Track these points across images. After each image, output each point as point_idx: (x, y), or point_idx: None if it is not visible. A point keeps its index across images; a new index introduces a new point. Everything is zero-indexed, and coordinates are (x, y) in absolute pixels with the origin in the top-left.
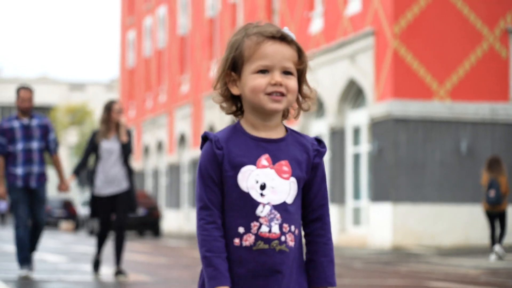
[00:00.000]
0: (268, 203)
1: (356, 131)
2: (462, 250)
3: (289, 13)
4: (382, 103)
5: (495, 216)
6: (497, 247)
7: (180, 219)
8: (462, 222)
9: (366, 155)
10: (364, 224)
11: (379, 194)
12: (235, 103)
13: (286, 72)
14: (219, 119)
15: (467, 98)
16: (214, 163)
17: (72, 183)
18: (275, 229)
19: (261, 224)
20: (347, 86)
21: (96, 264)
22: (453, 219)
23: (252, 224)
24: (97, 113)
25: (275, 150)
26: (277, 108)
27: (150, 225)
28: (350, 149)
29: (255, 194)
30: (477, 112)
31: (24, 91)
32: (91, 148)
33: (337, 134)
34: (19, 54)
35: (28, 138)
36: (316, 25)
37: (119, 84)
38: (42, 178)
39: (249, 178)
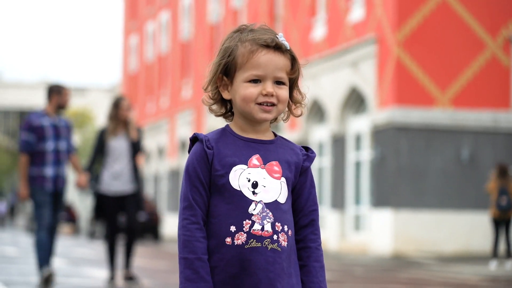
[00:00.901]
0: (260, 201)
1: (358, 138)
2: (463, 258)
3: (292, 19)
4: (384, 110)
5: (502, 223)
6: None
7: (176, 222)
8: (463, 230)
9: (367, 161)
10: (365, 231)
11: (380, 200)
12: (224, 105)
13: (278, 82)
14: (221, 125)
15: (469, 106)
16: (203, 163)
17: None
18: (268, 227)
19: (253, 222)
20: (349, 93)
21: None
22: (454, 227)
23: (244, 223)
24: (99, 117)
25: (265, 151)
26: (266, 118)
27: (150, 229)
28: (351, 156)
29: (247, 192)
30: (479, 120)
31: (65, 88)
32: (99, 146)
33: (339, 140)
34: (20, 58)
35: (57, 138)
36: (319, 31)
37: (121, 88)
38: (65, 181)
39: (240, 176)
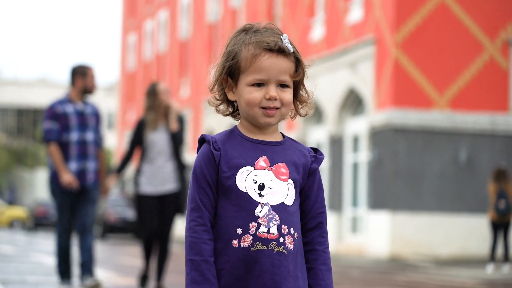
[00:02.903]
0: (266, 203)
1: (356, 139)
2: (460, 261)
3: (291, 19)
4: (382, 111)
5: (501, 227)
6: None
7: (183, 224)
8: (460, 233)
9: (365, 163)
10: (362, 233)
11: (377, 202)
12: (231, 104)
13: (282, 85)
14: (218, 124)
15: (467, 108)
16: (210, 164)
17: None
18: (274, 229)
19: (259, 225)
20: (347, 94)
21: (144, 279)
22: (451, 229)
23: (250, 225)
24: None
25: (272, 152)
26: (270, 123)
27: None
28: (349, 157)
29: (253, 194)
30: (477, 122)
31: (91, 69)
32: (137, 140)
33: (336, 142)
34: (18, 55)
35: (83, 127)
36: (317, 32)
37: (119, 87)
38: (96, 175)
39: (247, 178)
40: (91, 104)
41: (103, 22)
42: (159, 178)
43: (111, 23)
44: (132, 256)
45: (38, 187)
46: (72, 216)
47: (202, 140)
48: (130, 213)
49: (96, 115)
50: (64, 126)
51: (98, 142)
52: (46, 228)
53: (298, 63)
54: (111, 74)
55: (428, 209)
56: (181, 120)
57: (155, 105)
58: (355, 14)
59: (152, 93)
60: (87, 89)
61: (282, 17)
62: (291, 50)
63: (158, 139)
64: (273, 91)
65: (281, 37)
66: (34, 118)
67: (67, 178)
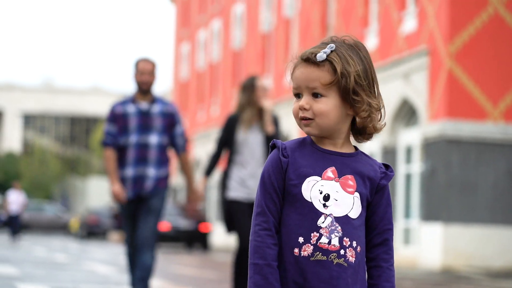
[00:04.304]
0: (330, 215)
1: (408, 150)
2: None
3: (344, 29)
4: (435, 123)
5: None
6: None
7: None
8: None
9: (418, 174)
10: (414, 244)
11: (430, 214)
12: None
13: (315, 94)
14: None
15: None
16: (278, 171)
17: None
18: (335, 241)
19: (321, 235)
20: (400, 105)
21: None
22: (504, 242)
23: (312, 235)
24: None
25: (341, 164)
26: (309, 132)
27: (198, 238)
28: (402, 168)
29: (318, 204)
30: None
31: (144, 62)
32: (226, 139)
33: (389, 152)
34: (72, 64)
35: (145, 129)
36: (371, 42)
37: (172, 96)
38: (160, 183)
39: (313, 188)
40: (163, 102)
41: (157, 32)
42: (250, 183)
43: (164, 33)
44: (186, 265)
45: (90, 195)
46: (133, 226)
47: (273, 146)
48: (182, 222)
49: (166, 115)
50: (122, 128)
51: (178, 146)
52: (97, 237)
53: (335, 71)
54: (164, 84)
55: (481, 221)
56: (276, 122)
57: (252, 101)
58: (409, 24)
59: (250, 88)
60: (139, 86)
61: (336, 27)
62: (321, 59)
63: (252, 139)
64: (302, 100)
65: (326, 47)
66: (86, 127)
67: (114, 189)
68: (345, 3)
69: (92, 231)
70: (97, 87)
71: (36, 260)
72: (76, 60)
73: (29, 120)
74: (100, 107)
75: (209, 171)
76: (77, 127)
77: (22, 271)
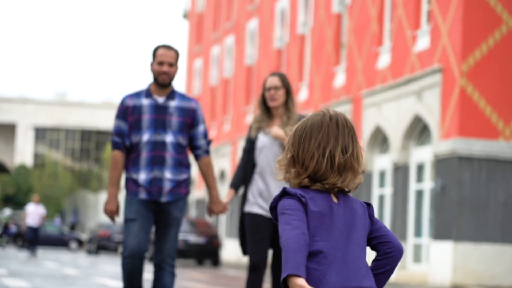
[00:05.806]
0: None
1: (420, 168)
2: None
3: (357, 47)
4: (447, 141)
5: None
6: None
7: (240, 249)
8: None
9: (429, 192)
10: (424, 262)
11: (440, 232)
12: None
13: None
14: None
15: None
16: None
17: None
18: None
19: None
20: (412, 123)
21: None
22: None
23: None
24: None
25: None
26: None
27: (209, 253)
28: (413, 186)
29: None
30: None
31: (164, 49)
32: (249, 147)
33: (401, 170)
34: (84, 78)
35: (160, 126)
36: (384, 60)
37: None
38: (178, 188)
39: None
40: (183, 97)
41: None
42: (266, 192)
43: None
44: (197, 281)
45: (102, 210)
46: (144, 235)
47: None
48: (193, 237)
49: (184, 112)
50: (134, 124)
51: (198, 149)
52: (108, 252)
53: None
54: None
55: (492, 240)
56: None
57: (264, 101)
58: (422, 42)
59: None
60: (154, 75)
61: (349, 44)
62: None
63: (270, 144)
64: None
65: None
66: (98, 141)
67: (108, 206)
68: (358, 21)
69: (103, 245)
70: (110, 101)
71: (46, 273)
72: (89, 75)
73: (41, 133)
74: (112, 122)
75: (235, 183)
76: (89, 141)
77: (33, 284)
